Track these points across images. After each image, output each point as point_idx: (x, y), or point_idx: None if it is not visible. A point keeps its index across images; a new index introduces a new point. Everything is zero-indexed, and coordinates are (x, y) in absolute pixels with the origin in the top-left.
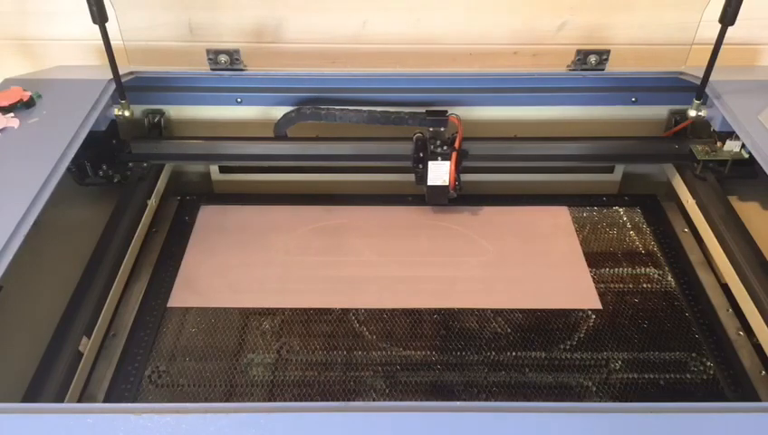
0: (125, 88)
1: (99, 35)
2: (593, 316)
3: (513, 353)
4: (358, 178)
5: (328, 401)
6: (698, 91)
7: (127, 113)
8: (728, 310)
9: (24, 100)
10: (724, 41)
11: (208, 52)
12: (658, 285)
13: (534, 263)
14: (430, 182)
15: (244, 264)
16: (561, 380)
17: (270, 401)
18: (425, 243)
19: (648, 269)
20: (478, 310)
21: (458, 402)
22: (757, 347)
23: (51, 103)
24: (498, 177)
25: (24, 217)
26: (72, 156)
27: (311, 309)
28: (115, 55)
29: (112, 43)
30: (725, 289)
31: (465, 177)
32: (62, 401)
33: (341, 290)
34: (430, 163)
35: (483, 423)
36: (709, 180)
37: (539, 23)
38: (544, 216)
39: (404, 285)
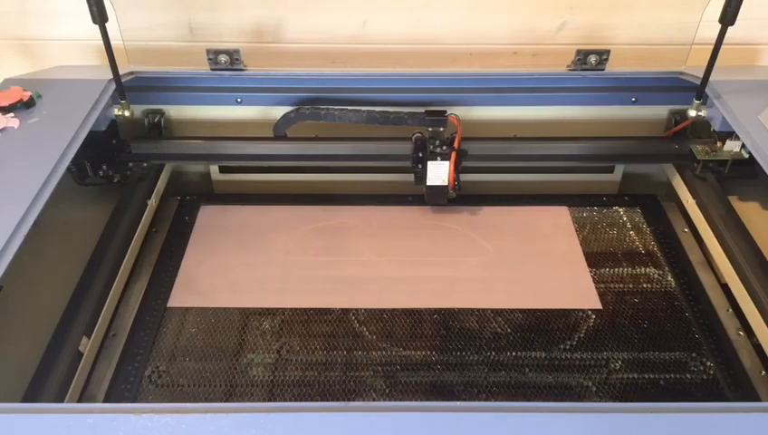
0: (125, 88)
1: (99, 35)
2: (593, 316)
3: (513, 353)
4: (358, 178)
5: (328, 401)
6: (698, 91)
7: (127, 113)
8: (728, 310)
9: (24, 100)
10: (724, 41)
11: (208, 52)
12: (658, 285)
13: (534, 263)
14: (429, 182)
15: (245, 264)
16: (561, 380)
17: (270, 401)
18: (425, 243)
19: (648, 269)
20: (478, 310)
21: (458, 402)
22: (757, 347)
23: (51, 103)
24: (498, 177)
25: (24, 217)
26: (72, 156)
27: (311, 309)
28: (115, 55)
29: (112, 43)
30: (725, 289)
31: (466, 177)
32: (62, 401)
33: (341, 290)
34: (429, 163)
35: (483, 423)
36: (709, 180)
37: (539, 23)
38: (544, 216)
39: (404, 285)
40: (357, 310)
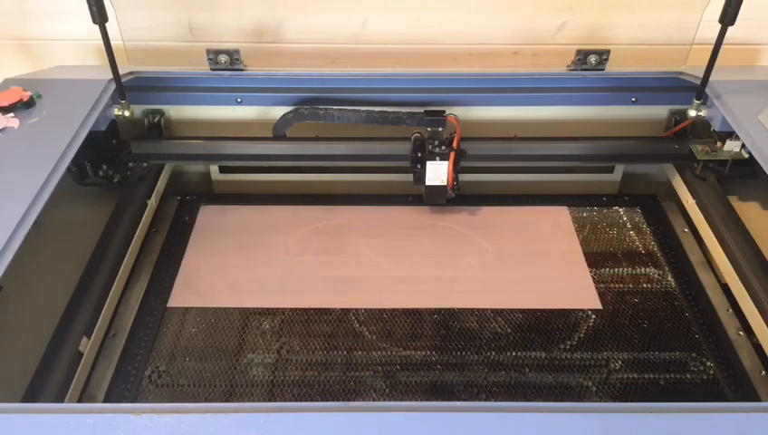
0: (125, 88)
1: (99, 35)
2: (593, 316)
3: (513, 353)
4: (358, 178)
5: (328, 401)
6: (698, 91)
7: (127, 113)
8: (728, 310)
9: (24, 100)
10: (724, 41)
11: (208, 52)
12: (658, 285)
13: (534, 263)
14: (428, 182)
15: (244, 264)
16: (561, 380)
17: (270, 401)
18: (425, 243)
19: (648, 269)
20: (478, 310)
21: (458, 402)
22: (757, 347)
23: (51, 103)
24: (498, 177)
25: (24, 217)
26: (72, 156)
27: (311, 309)
28: (115, 55)
29: (112, 43)
30: (725, 289)
31: (466, 177)
32: (62, 401)
33: (341, 290)
34: (428, 163)
35: (483, 423)
36: (709, 180)
37: (539, 23)
38: (544, 216)
39: (404, 285)
40: (357, 310)
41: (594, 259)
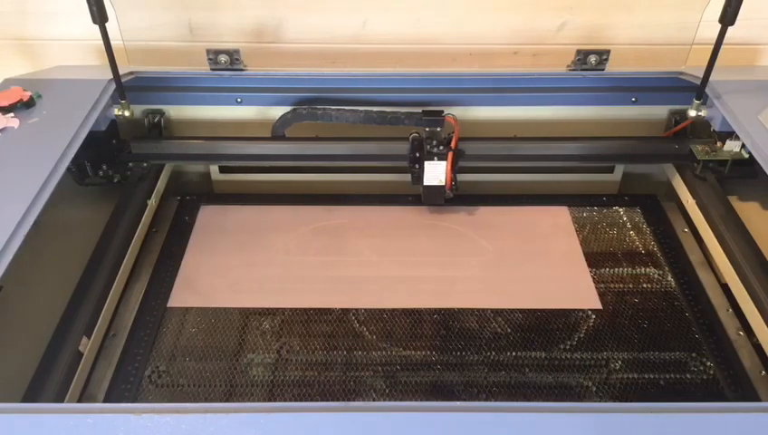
0: (125, 88)
1: (99, 35)
2: (593, 316)
3: (513, 353)
4: (358, 178)
5: (328, 401)
6: (698, 91)
7: (127, 113)
8: (728, 310)
9: (24, 100)
10: (724, 41)
11: (208, 52)
12: (658, 285)
13: (534, 263)
14: (426, 182)
15: (244, 264)
16: (561, 380)
17: (270, 401)
18: (425, 243)
19: (648, 269)
20: (478, 310)
21: (458, 402)
22: (757, 347)
23: (51, 103)
24: (498, 177)
25: (24, 217)
26: (72, 156)
27: (311, 309)
28: (115, 55)
29: (112, 43)
30: (725, 289)
31: (466, 177)
32: (62, 401)
33: (341, 290)
34: (426, 163)
35: (483, 423)
36: (709, 180)
37: (539, 23)
38: (544, 216)
39: (404, 285)
40: (357, 310)
41: (594, 259)
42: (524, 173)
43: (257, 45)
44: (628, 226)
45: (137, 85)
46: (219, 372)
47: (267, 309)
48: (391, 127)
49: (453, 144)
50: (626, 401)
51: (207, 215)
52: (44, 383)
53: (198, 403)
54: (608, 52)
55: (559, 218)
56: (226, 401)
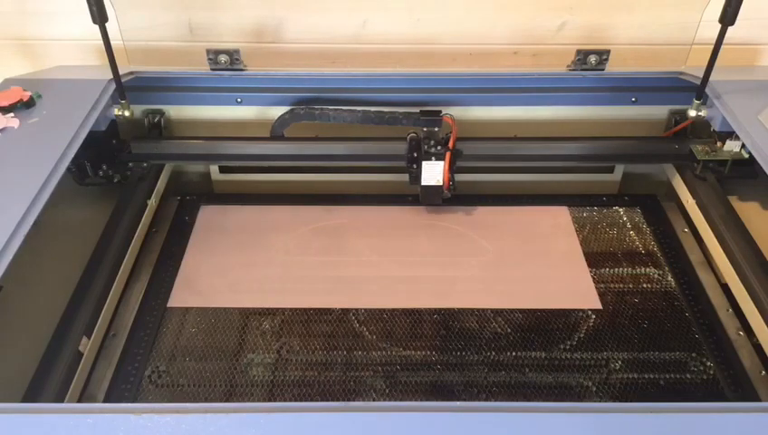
0: (125, 88)
1: (99, 35)
2: (593, 316)
3: (513, 353)
4: (358, 178)
5: (328, 401)
6: (698, 91)
7: (127, 113)
8: (728, 310)
9: (24, 100)
10: (724, 41)
11: (208, 52)
12: (658, 285)
13: (534, 263)
14: (424, 182)
15: (244, 264)
16: (561, 380)
17: (270, 401)
18: (425, 243)
19: (648, 269)
20: (478, 310)
21: (458, 402)
22: (757, 347)
23: (51, 103)
24: (498, 177)
25: (24, 217)
26: (72, 156)
27: (311, 309)
28: (115, 55)
29: (112, 43)
30: (725, 289)
31: (466, 177)
32: (62, 401)
33: (341, 290)
34: (424, 163)
35: (483, 423)
36: (709, 180)
37: (539, 23)
38: (544, 216)
39: (404, 285)
40: (357, 310)
41: (594, 259)
42: (524, 173)
43: (257, 45)
44: (628, 226)
45: (137, 85)
46: (219, 372)
47: (267, 309)
48: (389, 127)
49: (451, 144)
50: (626, 401)
51: (207, 215)
52: (44, 383)
53: (198, 403)
54: (608, 52)
55: (559, 218)
56: (226, 401)
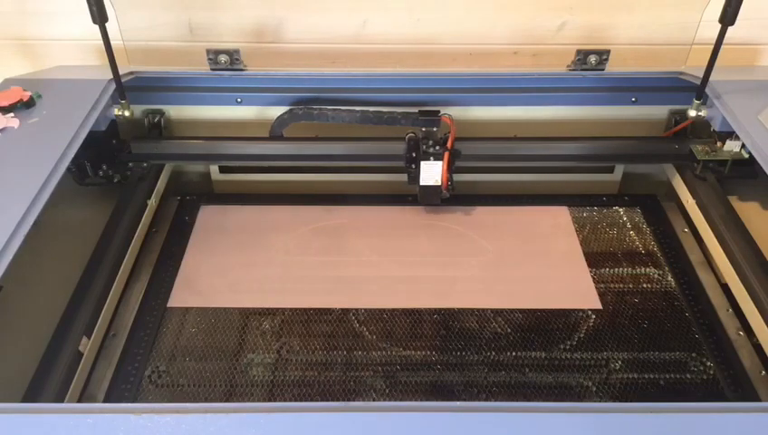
0: (125, 88)
1: (99, 35)
2: (593, 316)
3: (513, 353)
4: (358, 178)
5: (328, 401)
6: (698, 91)
7: (127, 113)
8: (728, 310)
9: (24, 100)
10: (724, 41)
11: (208, 52)
12: (658, 285)
13: (534, 263)
14: (422, 182)
15: (244, 264)
16: (561, 380)
17: (270, 401)
18: (425, 243)
19: (648, 269)
20: (478, 310)
21: (458, 402)
22: (757, 347)
23: (51, 103)
24: (498, 177)
25: (24, 217)
26: (72, 156)
27: (311, 309)
28: (115, 55)
29: (112, 43)
30: (725, 289)
31: (466, 177)
32: (62, 401)
33: (341, 290)
34: (422, 163)
35: (483, 423)
36: (709, 180)
37: (539, 23)
38: (544, 216)
39: (404, 285)
40: (357, 310)
41: (594, 259)
42: (524, 173)
43: (257, 45)
44: (628, 226)
45: (137, 85)
46: (219, 372)
47: (267, 309)
48: (388, 127)
49: (449, 144)
50: (626, 401)
51: (207, 215)
52: (44, 383)
53: (198, 403)
54: (608, 52)
55: (559, 218)
56: (226, 401)
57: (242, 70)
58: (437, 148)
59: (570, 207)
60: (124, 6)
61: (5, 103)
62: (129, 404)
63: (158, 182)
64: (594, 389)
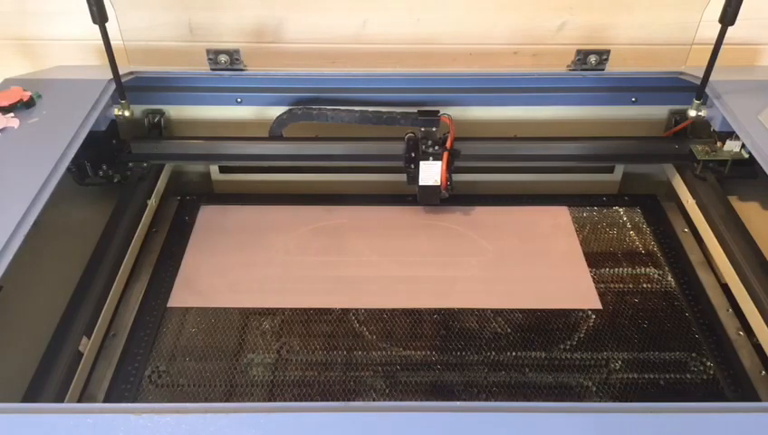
0: (125, 88)
1: (99, 35)
2: (593, 316)
3: (513, 353)
4: (358, 178)
5: (328, 401)
6: (698, 91)
7: (127, 113)
8: (728, 310)
9: (24, 100)
10: (724, 41)
11: (208, 52)
12: (658, 285)
13: (534, 263)
14: (422, 182)
15: (244, 264)
16: (561, 380)
17: (270, 401)
18: (425, 243)
19: (648, 269)
20: (478, 310)
21: (458, 402)
22: (757, 347)
23: (51, 103)
24: (498, 177)
25: (24, 217)
26: (72, 156)
27: (311, 309)
28: (115, 55)
29: (112, 43)
30: (725, 289)
31: (466, 177)
32: (62, 401)
33: (341, 290)
34: (421, 163)
35: (483, 423)
36: (709, 180)
37: (539, 23)
38: (544, 216)
39: (404, 285)
40: (357, 310)
41: (594, 259)
42: (524, 173)
43: (257, 45)
44: (628, 226)
45: (137, 85)
46: (219, 372)
47: (267, 309)
48: (388, 127)
49: (448, 144)
50: (626, 401)
51: (207, 215)
52: (44, 383)
53: (198, 403)
54: (608, 52)
55: (559, 218)
56: (226, 401)
57: (242, 70)
58: (437, 148)
59: (570, 207)
60: (124, 6)
61: (5, 103)
62: (129, 404)
63: (158, 182)
64: (594, 389)
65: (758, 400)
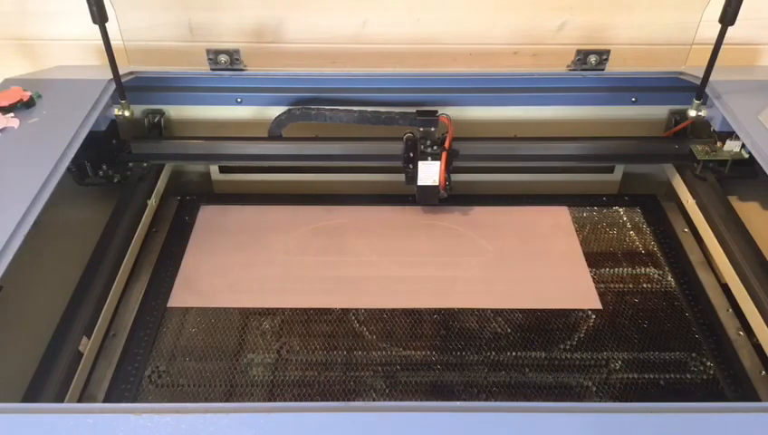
0: (125, 88)
1: (99, 35)
2: (593, 316)
3: (513, 353)
4: (358, 178)
5: (328, 401)
6: (698, 91)
7: (127, 113)
8: (728, 310)
9: (24, 100)
10: (724, 41)
11: (208, 52)
12: (658, 285)
13: (534, 263)
14: (420, 182)
15: (244, 264)
16: (561, 380)
17: (270, 401)
18: (425, 243)
19: (648, 269)
20: (478, 310)
21: (458, 402)
22: (757, 347)
23: (51, 103)
24: (498, 177)
25: (24, 217)
26: (72, 156)
27: (311, 309)
28: (115, 55)
29: (112, 43)
30: (725, 289)
31: (466, 177)
32: (62, 401)
33: (341, 290)
34: (420, 163)
35: (483, 423)
36: (709, 180)
37: (539, 23)
38: (544, 216)
39: (404, 285)
40: (357, 310)
41: (594, 259)
42: (524, 173)
43: (257, 45)
44: (628, 226)
45: (137, 85)
46: (219, 372)
47: (267, 309)
48: (387, 127)
49: (447, 144)
50: (626, 401)
51: (207, 215)
52: (44, 383)
53: (198, 403)
54: (608, 52)
55: (559, 218)
56: (226, 401)
57: (242, 70)
58: (435, 148)
59: (570, 207)
60: (124, 6)
61: (5, 103)
62: (129, 404)
63: (158, 182)
64: (594, 389)
65: (758, 400)
